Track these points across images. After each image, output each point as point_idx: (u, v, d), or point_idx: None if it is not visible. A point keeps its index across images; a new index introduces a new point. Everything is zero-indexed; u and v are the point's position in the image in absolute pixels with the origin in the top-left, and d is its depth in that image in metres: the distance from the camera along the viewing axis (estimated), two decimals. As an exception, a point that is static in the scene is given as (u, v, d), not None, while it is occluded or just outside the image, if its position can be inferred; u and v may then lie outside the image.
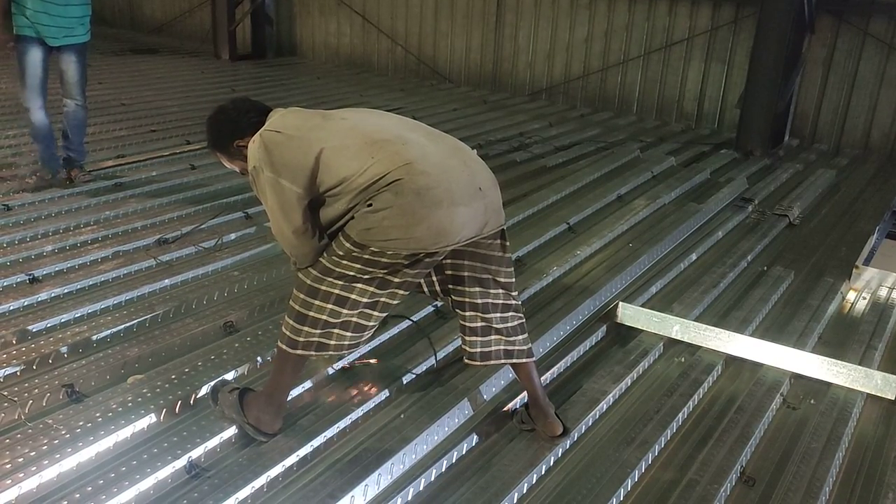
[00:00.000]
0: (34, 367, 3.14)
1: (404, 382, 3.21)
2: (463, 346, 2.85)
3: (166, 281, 3.99)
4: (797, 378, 3.50)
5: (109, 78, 9.10)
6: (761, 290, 4.33)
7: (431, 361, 3.31)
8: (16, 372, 3.10)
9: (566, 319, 3.79)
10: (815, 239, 5.32)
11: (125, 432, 2.75)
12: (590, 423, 3.07)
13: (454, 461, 2.81)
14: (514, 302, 2.84)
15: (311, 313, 2.59)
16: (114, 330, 3.47)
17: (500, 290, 2.78)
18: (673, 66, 8.58)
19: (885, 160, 7.56)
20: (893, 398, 3.36)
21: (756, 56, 7.22)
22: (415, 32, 10.35)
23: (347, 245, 2.50)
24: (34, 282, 3.88)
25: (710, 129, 8.47)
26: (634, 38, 8.73)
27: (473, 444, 2.90)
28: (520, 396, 3.12)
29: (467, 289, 2.75)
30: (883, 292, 4.52)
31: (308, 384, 3.12)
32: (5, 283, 3.83)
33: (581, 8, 9.00)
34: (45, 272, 3.98)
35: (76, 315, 3.60)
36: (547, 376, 3.34)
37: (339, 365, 3.24)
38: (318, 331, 2.61)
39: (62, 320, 3.55)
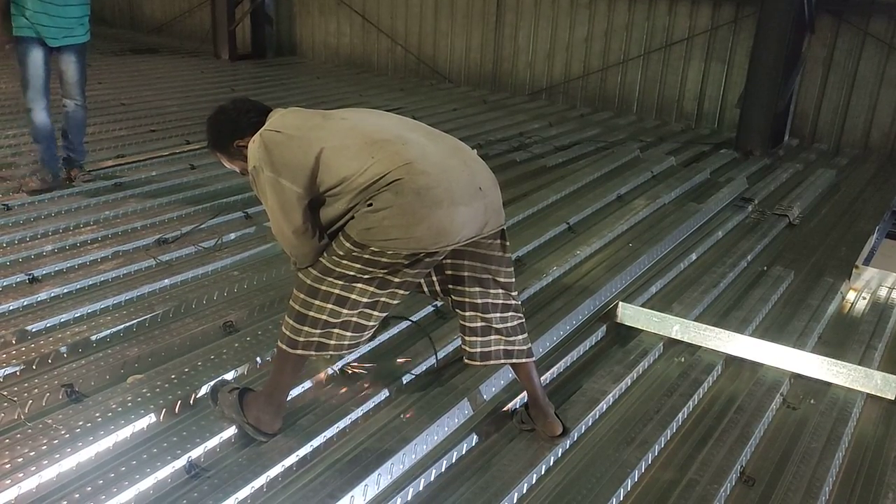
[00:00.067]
0: (34, 367, 3.14)
1: (404, 382, 3.21)
2: (463, 346, 2.85)
3: (166, 281, 3.99)
4: (797, 378, 3.50)
5: (109, 78, 9.10)
6: (761, 289, 4.33)
7: (432, 361, 3.31)
8: (15, 372, 3.10)
9: (566, 319, 3.78)
10: (814, 239, 5.31)
11: (125, 432, 2.75)
12: (590, 423, 3.07)
13: (454, 461, 2.81)
14: (513, 302, 2.84)
15: (311, 313, 2.59)
16: (113, 330, 3.47)
17: (500, 290, 2.78)
18: (673, 66, 8.58)
19: (885, 160, 7.56)
20: (893, 398, 3.36)
21: (756, 56, 7.22)
22: (415, 32, 10.35)
23: (347, 245, 2.50)
24: (34, 282, 3.88)
25: (710, 128, 8.47)
26: (634, 38, 8.73)
27: (473, 444, 2.90)
28: (519, 396, 3.12)
29: (467, 289, 2.75)
30: (883, 292, 4.52)
31: (308, 384, 3.12)
32: (5, 283, 3.83)
33: (581, 7, 9.00)
34: (44, 272, 3.98)
35: (76, 315, 3.60)
36: (547, 376, 3.34)
37: (338, 365, 3.24)
38: (318, 331, 2.61)
39: (62, 320, 3.55)
